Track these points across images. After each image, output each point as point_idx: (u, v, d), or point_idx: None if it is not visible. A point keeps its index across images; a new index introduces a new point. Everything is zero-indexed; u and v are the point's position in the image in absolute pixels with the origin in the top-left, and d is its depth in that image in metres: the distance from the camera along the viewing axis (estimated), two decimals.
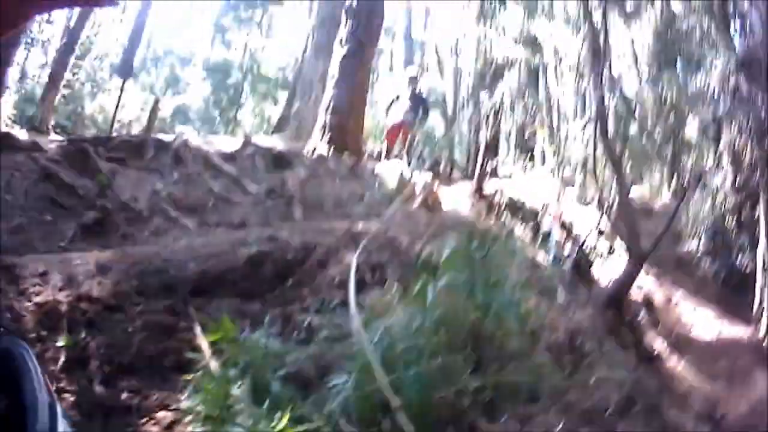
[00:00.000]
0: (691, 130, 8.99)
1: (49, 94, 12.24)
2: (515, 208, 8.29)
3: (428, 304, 4.02)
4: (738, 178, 7.65)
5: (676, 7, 9.39)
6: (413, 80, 11.05)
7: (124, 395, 3.70)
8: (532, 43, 10.79)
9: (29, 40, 13.49)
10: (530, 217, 8.17)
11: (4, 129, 8.39)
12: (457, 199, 8.32)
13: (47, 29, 14.00)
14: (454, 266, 4.29)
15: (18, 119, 12.25)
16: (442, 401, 3.58)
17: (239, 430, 3.34)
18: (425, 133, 10.46)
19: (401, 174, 8.51)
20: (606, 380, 4.18)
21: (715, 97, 8.13)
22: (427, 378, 3.59)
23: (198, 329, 4.09)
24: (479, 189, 8.50)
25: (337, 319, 4.30)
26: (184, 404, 3.66)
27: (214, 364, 3.80)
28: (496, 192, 8.53)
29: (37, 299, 3.99)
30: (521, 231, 7.79)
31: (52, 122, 12.12)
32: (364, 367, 3.66)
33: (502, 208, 8.24)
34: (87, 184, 6.71)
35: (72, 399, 3.58)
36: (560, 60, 10.52)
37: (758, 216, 6.98)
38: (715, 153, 8.30)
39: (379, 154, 10.49)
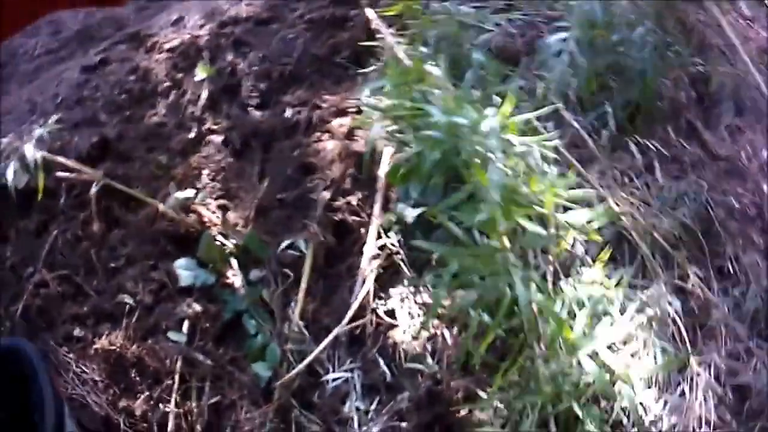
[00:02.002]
0: None
1: None
2: None
3: None
4: None
5: None
6: None
7: (288, 112, 2.79)
8: None
9: None
10: None
11: None
12: None
13: None
14: None
15: None
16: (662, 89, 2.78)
17: (440, 118, 2.30)
18: None
19: None
20: None
21: None
22: (649, 52, 2.69)
23: (372, 11, 3.01)
24: None
25: None
26: (366, 102, 2.70)
27: (397, 47, 2.75)
28: None
29: (169, 45, 3.11)
30: None
31: None
32: (583, 24, 2.72)
33: None
34: None
35: (220, 139, 2.77)
36: None
37: None
38: None
39: None
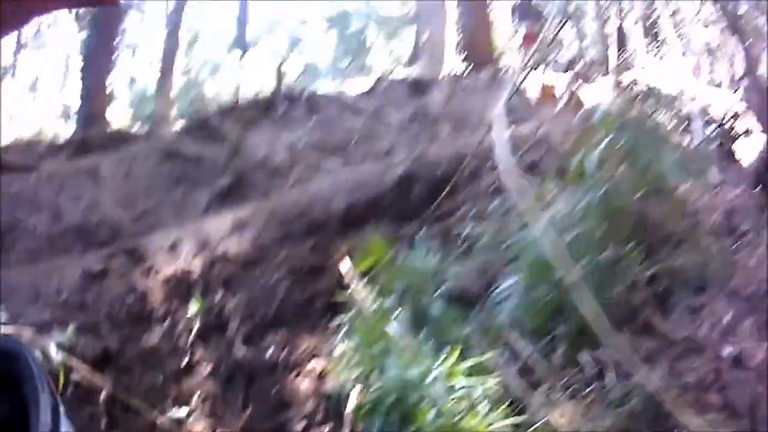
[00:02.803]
0: None
1: (163, 86, 11.82)
2: (653, 95, 7.44)
3: (588, 184, 3.39)
4: None
5: None
6: None
7: (269, 352, 3.38)
8: None
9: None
10: (668, 102, 7.27)
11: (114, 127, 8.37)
12: (596, 95, 7.55)
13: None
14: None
15: (137, 117, 12.26)
16: (615, 298, 3.02)
17: (394, 372, 2.93)
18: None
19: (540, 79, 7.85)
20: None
21: None
22: (599, 272, 3.03)
23: (347, 262, 3.66)
24: (618, 82, 7.70)
25: (496, 224, 3.77)
26: (337, 350, 3.29)
27: (367, 297, 3.38)
28: (633, 82, 7.69)
29: (165, 273, 3.74)
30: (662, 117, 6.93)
31: (174, 112, 11.61)
32: (533, 264, 3.18)
33: (641, 97, 7.42)
34: (215, 153, 6.41)
35: (209, 368, 3.32)
36: None
37: None
38: None
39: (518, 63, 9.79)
